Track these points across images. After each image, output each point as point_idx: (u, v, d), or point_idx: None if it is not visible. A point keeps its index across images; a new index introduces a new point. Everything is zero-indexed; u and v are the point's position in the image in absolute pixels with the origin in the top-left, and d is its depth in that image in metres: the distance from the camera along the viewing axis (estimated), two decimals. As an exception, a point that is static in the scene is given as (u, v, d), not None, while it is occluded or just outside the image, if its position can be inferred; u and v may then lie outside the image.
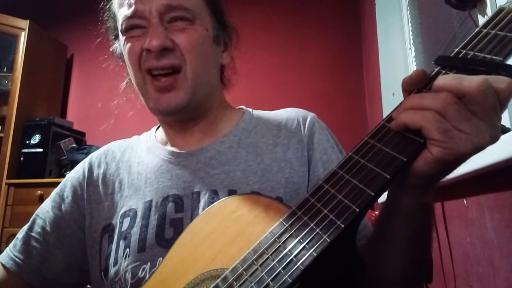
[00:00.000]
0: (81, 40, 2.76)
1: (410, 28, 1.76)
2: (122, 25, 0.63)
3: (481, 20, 0.91)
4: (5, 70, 2.50)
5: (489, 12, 0.86)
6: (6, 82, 2.45)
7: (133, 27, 0.62)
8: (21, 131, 2.33)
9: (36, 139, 2.32)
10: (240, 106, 0.78)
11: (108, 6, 0.69)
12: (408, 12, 1.79)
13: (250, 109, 0.76)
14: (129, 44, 0.63)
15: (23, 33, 2.41)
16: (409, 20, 1.78)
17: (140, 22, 0.61)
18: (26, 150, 2.31)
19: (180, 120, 0.68)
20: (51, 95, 2.66)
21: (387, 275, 0.48)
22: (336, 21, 2.50)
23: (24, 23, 2.43)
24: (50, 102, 2.65)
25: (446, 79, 0.36)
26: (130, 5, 0.61)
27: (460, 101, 0.35)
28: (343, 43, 2.46)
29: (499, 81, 0.35)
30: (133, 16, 0.61)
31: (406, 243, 0.44)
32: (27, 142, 2.32)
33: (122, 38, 0.64)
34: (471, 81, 0.35)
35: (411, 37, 1.75)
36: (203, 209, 0.58)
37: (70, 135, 2.49)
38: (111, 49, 0.72)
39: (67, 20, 2.84)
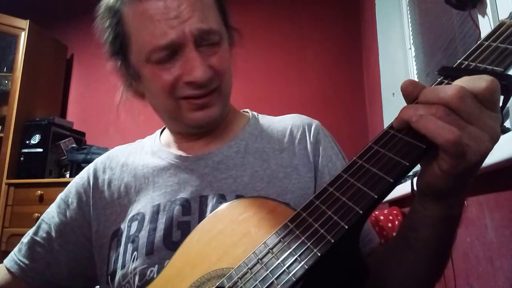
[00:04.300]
0: (81, 40, 2.76)
1: (410, 28, 1.77)
2: (148, 54, 0.58)
3: (481, 20, 0.92)
4: (5, 70, 2.50)
5: (489, 12, 0.87)
6: (6, 82, 2.45)
7: (164, 59, 0.58)
8: (21, 131, 2.33)
9: (36, 139, 2.32)
10: (245, 110, 0.78)
11: (113, 16, 0.61)
12: (408, 12, 1.80)
13: (255, 113, 0.76)
14: (158, 75, 0.59)
15: (23, 33, 2.41)
16: (409, 20, 1.78)
17: (173, 49, 0.57)
18: (26, 150, 2.31)
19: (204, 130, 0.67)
20: (51, 95, 2.66)
21: (408, 282, 0.48)
22: (336, 21, 2.51)
23: (24, 23, 2.43)
24: (50, 102, 2.65)
25: (425, 94, 0.37)
26: (163, 34, 0.56)
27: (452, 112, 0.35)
28: (343, 43, 2.47)
29: (481, 80, 0.35)
30: (167, 46, 0.57)
31: (431, 252, 0.44)
32: (27, 142, 2.32)
33: (144, 65, 0.60)
34: (446, 91, 0.35)
35: (411, 37, 1.75)
36: (211, 212, 0.58)
37: (70, 135, 2.49)
38: (114, 65, 0.65)
39: (67, 20, 2.84)
